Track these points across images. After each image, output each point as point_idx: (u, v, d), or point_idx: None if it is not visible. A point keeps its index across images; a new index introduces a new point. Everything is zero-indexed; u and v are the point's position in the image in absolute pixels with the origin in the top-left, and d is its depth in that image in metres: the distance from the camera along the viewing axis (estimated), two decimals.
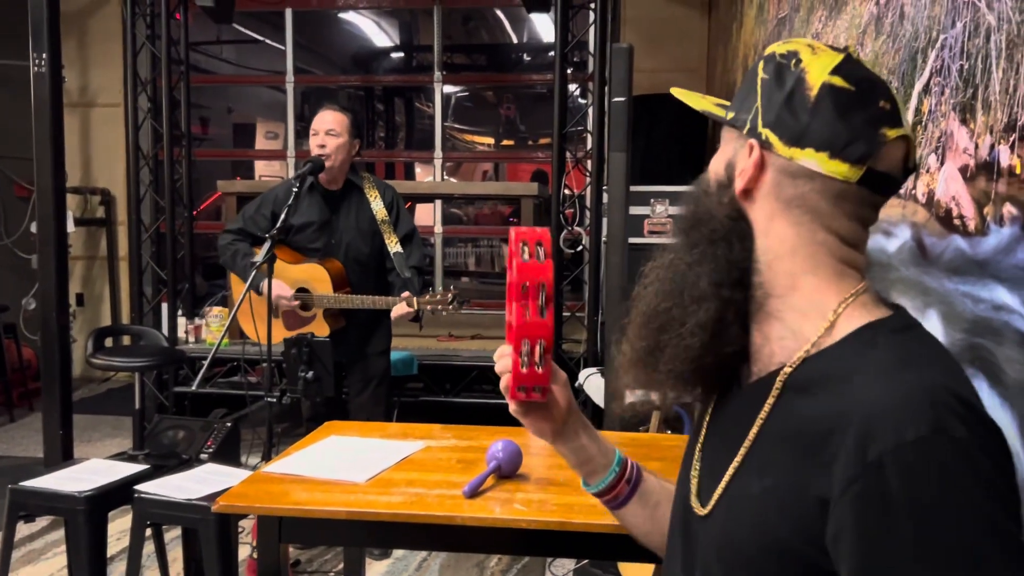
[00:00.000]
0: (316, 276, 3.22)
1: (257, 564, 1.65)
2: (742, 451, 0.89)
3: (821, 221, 0.87)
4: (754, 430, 0.88)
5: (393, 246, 3.25)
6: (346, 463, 1.80)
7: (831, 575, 0.77)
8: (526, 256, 0.96)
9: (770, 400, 0.87)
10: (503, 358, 1.04)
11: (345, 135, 3.21)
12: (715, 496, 0.92)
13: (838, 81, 0.86)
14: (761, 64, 0.91)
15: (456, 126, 9.52)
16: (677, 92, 1.00)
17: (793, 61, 0.89)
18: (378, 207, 3.28)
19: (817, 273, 0.88)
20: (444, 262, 6.21)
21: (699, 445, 1.01)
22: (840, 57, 0.88)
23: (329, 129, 3.19)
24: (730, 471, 0.90)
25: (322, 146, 3.18)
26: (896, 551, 0.72)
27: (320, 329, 3.25)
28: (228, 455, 4.03)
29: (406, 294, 3.12)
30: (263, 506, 1.61)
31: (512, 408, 1.06)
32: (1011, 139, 1.14)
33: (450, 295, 3.09)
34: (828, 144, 0.85)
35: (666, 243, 0.95)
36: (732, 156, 0.93)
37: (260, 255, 2.93)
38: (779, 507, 0.82)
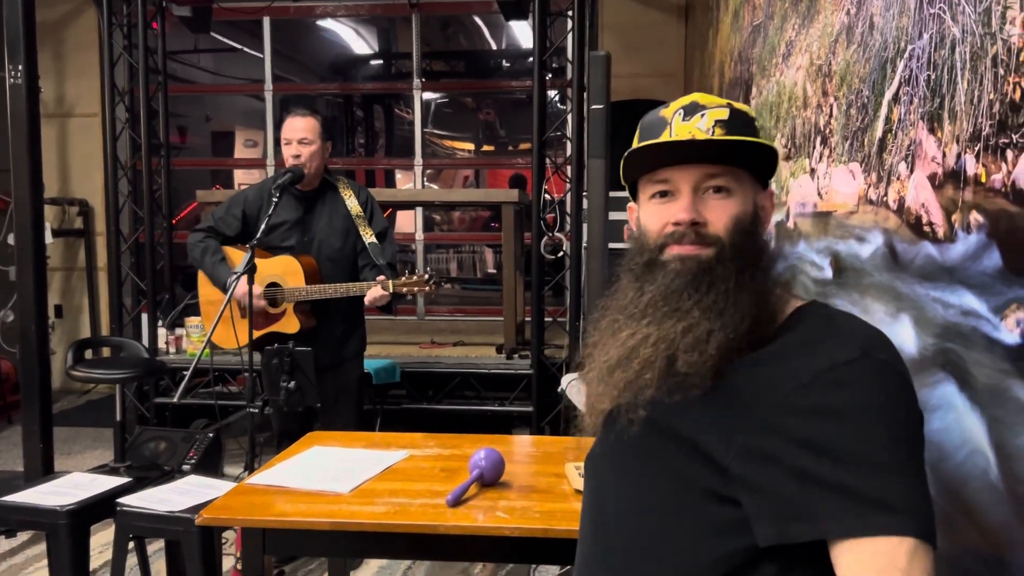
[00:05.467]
0: (288, 269, 3.19)
1: (241, 575, 1.65)
2: None
3: None
4: None
5: (368, 237, 3.22)
6: (329, 474, 1.81)
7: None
8: None
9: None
10: None
11: (317, 140, 3.19)
12: None
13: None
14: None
15: (436, 132, 9.51)
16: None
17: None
18: (352, 203, 3.27)
19: None
20: (426, 267, 6.21)
21: None
22: None
23: (302, 138, 3.17)
24: None
25: (297, 156, 3.16)
26: (832, 448, 0.89)
27: (290, 326, 3.22)
28: (210, 466, 4.01)
29: (381, 278, 3.07)
30: (247, 518, 1.61)
31: None
32: (976, 149, 1.17)
33: (426, 275, 3.05)
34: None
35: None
36: (754, 202, 1.09)
37: (240, 265, 2.92)
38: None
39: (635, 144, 1.10)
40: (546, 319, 4.75)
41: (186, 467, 3.90)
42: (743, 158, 1.06)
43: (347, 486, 1.72)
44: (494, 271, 7.84)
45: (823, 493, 0.88)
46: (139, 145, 4.97)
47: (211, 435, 4.11)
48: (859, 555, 0.86)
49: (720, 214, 1.05)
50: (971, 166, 1.19)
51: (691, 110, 1.08)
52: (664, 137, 1.08)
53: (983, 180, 1.15)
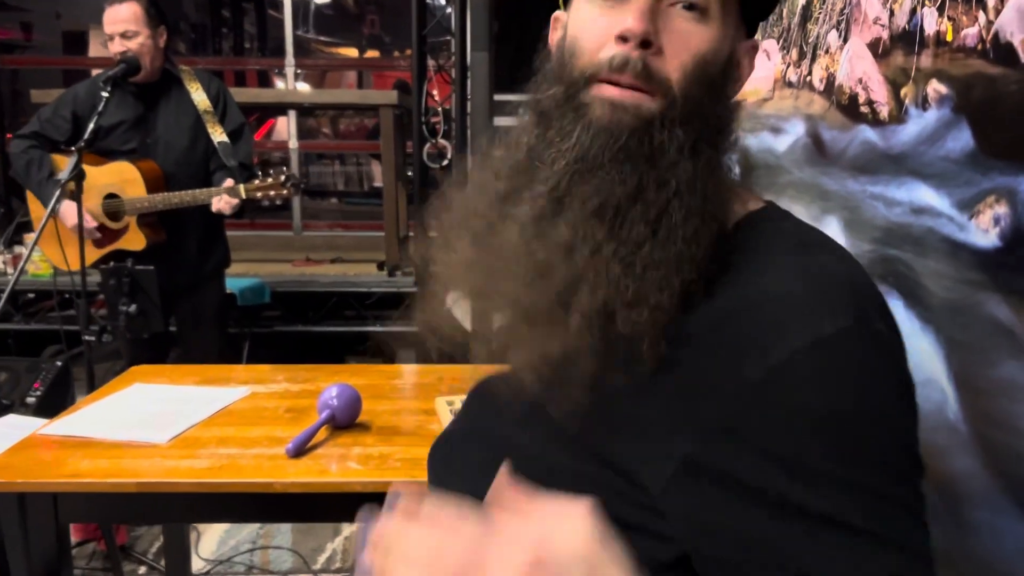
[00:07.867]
0: (127, 177, 2.76)
1: (29, 552, 1.32)
2: None
3: None
4: None
5: (218, 136, 2.82)
6: (146, 419, 1.49)
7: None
8: None
9: None
10: None
11: (144, 29, 2.72)
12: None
13: None
14: None
15: (318, 39, 8.93)
16: None
17: None
18: (200, 98, 2.84)
19: None
20: (306, 181, 5.78)
21: None
22: None
23: (124, 31, 2.69)
24: None
25: (124, 53, 2.71)
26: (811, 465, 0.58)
27: (135, 242, 2.81)
28: (59, 399, 3.60)
29: (229, 182, 2.69)
30: (29, 481, 1.28)
31: None
32: None
33: (283, 177, 2.68)
34: None
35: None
36: (732, 47, 0.73)
37: (65, 171, 2.49)
38: None
39: None
40: (432, 234, 4.43)
41: (30, 400, 3.48)
42: None
43: (166, 434, 1.41)
44: (381, 185, 7.45)
45: (810, 527, 0.58)
46: None
47: (59, 364, 3.68)
48: None
49: (684, 43, 0.68)
50: (931, 23, 0.93)
51: None
52: None
53: (948, 39, 0.90)
